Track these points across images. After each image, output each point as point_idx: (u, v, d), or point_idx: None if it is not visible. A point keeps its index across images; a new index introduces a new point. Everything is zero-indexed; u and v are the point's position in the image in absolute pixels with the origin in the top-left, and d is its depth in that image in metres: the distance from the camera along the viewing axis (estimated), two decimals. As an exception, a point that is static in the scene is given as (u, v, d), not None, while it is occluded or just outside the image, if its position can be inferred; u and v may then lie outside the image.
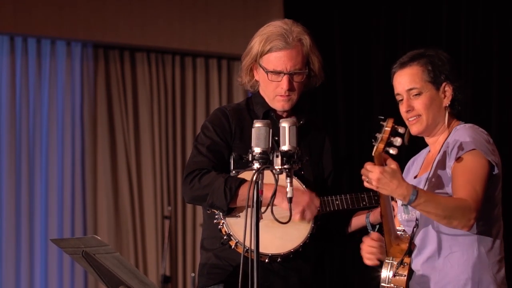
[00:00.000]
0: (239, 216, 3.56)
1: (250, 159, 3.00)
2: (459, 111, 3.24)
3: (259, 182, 2.95)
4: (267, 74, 3.64)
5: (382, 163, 2.98)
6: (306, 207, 3.55)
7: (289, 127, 3.01)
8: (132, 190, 7.23)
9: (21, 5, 6.75)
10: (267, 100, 3.70)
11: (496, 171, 3.11)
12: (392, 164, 2.99)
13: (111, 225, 7.14)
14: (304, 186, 3.62)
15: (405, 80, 3.23)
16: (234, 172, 3.11)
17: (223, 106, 3.78)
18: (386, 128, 2.98)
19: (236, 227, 3.57)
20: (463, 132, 3.15)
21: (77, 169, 7.05)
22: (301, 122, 3.67)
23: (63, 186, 6.99)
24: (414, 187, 2.98)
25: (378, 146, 2.97)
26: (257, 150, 2.99)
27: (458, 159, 3.08)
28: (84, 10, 6.94)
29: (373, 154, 2.98)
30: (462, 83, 3.23)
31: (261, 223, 3.37)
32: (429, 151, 3.32)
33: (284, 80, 3.62)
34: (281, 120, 3.05)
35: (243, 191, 3.51)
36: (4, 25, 6.74)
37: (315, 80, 3.73)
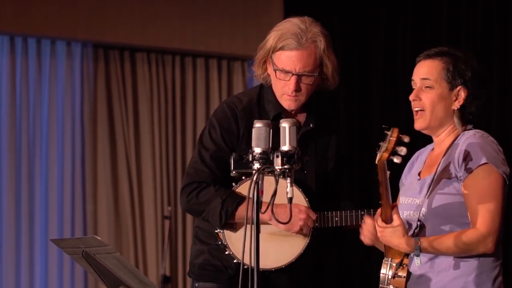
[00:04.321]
0: (236, 230, 3.56)
1: (250, 159, 2.99)
2: (470, 120, 3.21)
3: (259, 182, 2.94)
4: (275, 72, 3.60)
5: (386, 171, 3.00)
6: (303, 226, 3.56)
7: (289, 127, 3.00)
8: (132, 190, 7.23)
9: (21, 5, 6.74)
10: (277, 97, 3.66)
11: (507, 181, 3.10)
12: (396, 221, 3.04)
13: (111, 225, 7.14)
14: (303, 195, 3.61)
15: (423, 70, 3.21)
16: (234, 172, 3.09)
17: (233, 102, 3.69)
18: (391, 138, 2.97)
19: (233, 239, 3.56)
20: (472, 141, 3.12)
21: (77, 169, 7.05)
22: (311, 125, 3.66)
23: (63, 186, 6.98)
24: (416, 242, 3.04)
25: (382, 155, 2.97)
26: (257, 150, 2.98)
27: (469, 175, 3.07)
28: (84, 10, 6.94)
29: (376, 162, 2.99)
30: (481, 96, 3.19)
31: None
32: (433, 148, 3.31)
33: (292, 80, 3.58)
34: (281, 121, 3.03)
35: (239, 212, 3.52)
36: (4, 25, 6.73)
37: (329, 83, 3.69)
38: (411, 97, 3.22)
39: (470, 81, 3.18)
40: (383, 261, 3.21)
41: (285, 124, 3.01)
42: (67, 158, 6.99)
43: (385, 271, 3.19)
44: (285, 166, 2.95)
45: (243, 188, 3.55)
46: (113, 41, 7.13)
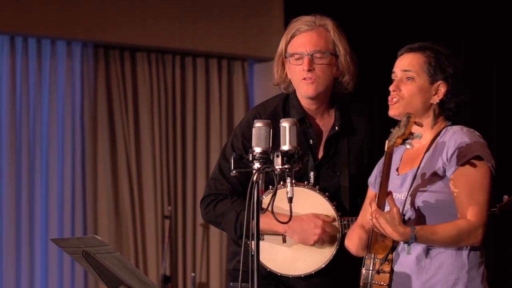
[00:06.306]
0: (263, 239, 3.60)
1: (250, 158, 2.99)
2: (449, 116, 3.22)
3: (259, 182, 2.94)
4: (290, 59, 3.63)
5: (391, 160, 2.99)
6: (318, 241, 3.60)
7: (290, 127, 3.00)
8: (132, 190, 7.23)
9: (21, 5, 6.75)
10: (296, 88, 3.67)
11: (494, 175, 3.12)
12: (393, 208, 3.02)
13: (111, 225, 7.14)
14: (329, 202, 3.62)
15: (405, 62, 3.24)
16: (234, 172, 3.09)
17: (258, 111, 3.72)
18: (409, 123, 2.98)
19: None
20: (461, 136, 3.13)
21: (77, 169, 7.05)
22: (336, 128, 3.67)
23: (63, 186, 6.99)
24: (412, 231, 3.00)
25: (395, 141, 2.97)
26: (257, 150, 2.98)
27: (460, 167, 3.08)
28: (84, 10, 6.94)
29: (386, 149, 3.00)
30: (461, 93, 3.20)
31: (287, 245, 3.56)
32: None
33: (305, 60, 3.60)
34: (281, 120, 3.03)
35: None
36: (4, 25, 6.73)
37: (347, 78, 3.67)
38: (391, 88, 3.23)
39: (451, 77, 3.20)
40: (366, 257, 3.20)
41: (285, 124, 3.01)
42: (67, 158, 7.00)
43: (369, 267, 3.18)
44: (285, 166, 2.95)
45: (267, 199, 3.56)
46: (114, 41, 7.13)
